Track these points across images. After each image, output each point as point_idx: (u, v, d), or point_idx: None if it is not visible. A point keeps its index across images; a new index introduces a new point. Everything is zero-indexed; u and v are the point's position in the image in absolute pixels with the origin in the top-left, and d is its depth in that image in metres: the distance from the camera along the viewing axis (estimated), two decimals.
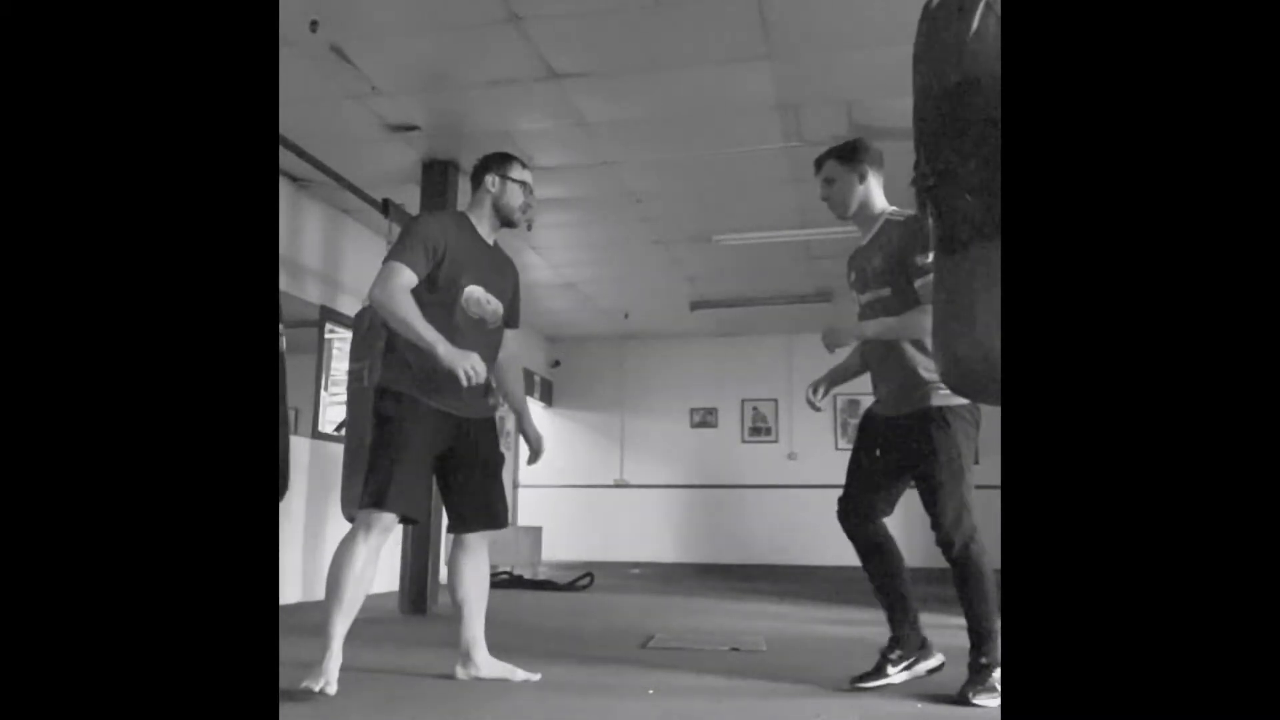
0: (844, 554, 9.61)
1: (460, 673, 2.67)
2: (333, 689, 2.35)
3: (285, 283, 5.03)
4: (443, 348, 2.42)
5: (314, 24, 3.52)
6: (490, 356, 2.68)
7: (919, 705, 2.38)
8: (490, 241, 2.73)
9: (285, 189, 5.09)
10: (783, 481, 8.78)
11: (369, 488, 2.47)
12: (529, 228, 2.92)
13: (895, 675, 2.43)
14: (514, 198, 2.70)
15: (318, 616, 2.47)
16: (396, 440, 2.48)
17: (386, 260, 2.53)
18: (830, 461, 8.82)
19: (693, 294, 7.60)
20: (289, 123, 4.20)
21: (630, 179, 5.18)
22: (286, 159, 4.51)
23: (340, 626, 2.42)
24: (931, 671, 2.45)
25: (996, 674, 2.36)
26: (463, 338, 2.54)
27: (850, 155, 2.64)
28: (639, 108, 4.32)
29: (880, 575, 2.56)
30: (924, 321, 2.45)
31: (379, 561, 2.50)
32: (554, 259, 6.81)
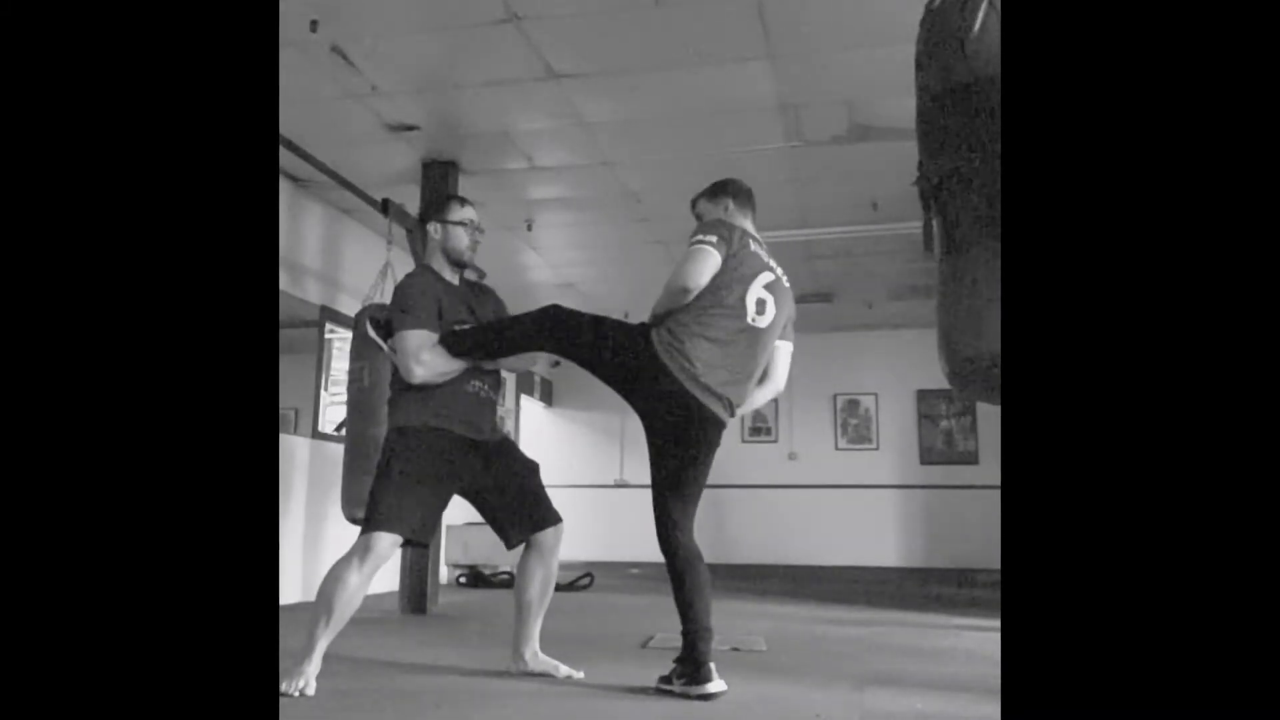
0: (844, 554, 9.48)
1: (511, 667, 2.76)
2: (310, 691, 2.37)
3: (285, 283, 5.03)
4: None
5: (314, 24, 3.52)
6: (494, 383, 2.77)
7: (919, 705, 2.38)
8: (455, 282, 2.79)
9: (285, 189, 5.08)
10: (783, 481, 8.78)
11: (373, 511, 2.48)
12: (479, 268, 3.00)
13: (677, 687, 2.43)
14: (459, 240, 2.77)
15: (306, 617, 2.49)
16: (406, 466, 2.51)
17: (398, 331, 2.59)
18: (830, 461, 8.83)
19: None
20: (289, 123, 4.20)
21: (630, 179, 5.18)
22: (286, 159, 4.51)
23: (324, 640, 2.45)
24: (704, 697, 2.39)
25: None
26: (463, 374, 2.64)
27: (715, 192, 2.84)
28: (639, 108, 4.32)
29: (691, 595, 2.47)
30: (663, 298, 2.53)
31: (371, 580, 2.50)
32: (554, 259, 6.81)
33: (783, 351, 2.76)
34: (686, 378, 2.45)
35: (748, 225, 2.78)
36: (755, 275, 2.60)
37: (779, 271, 2.70)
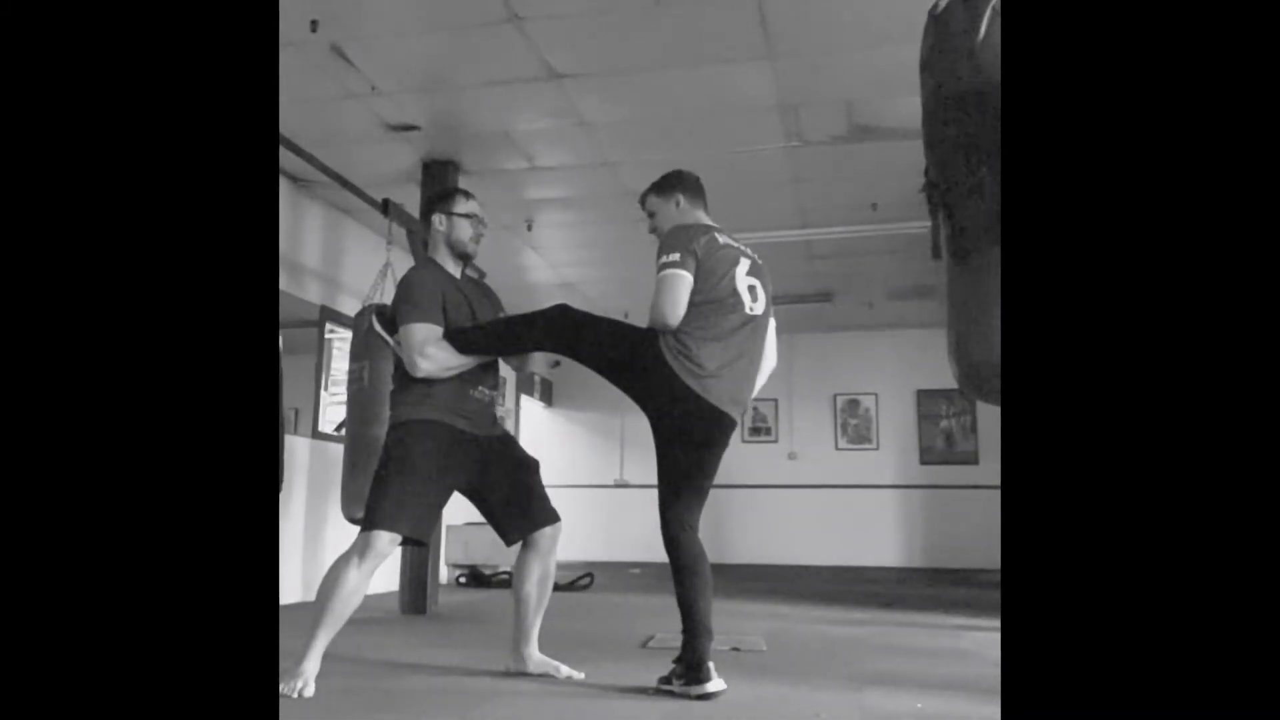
0: (844, 554, 9.46)
1: (511, 666, 2.75)
2: (310, 692, 2.36)
3: (285, 283, 5.03)
4: None
5: (314, 24, 3.52)
6: (495, 380, 2.77)
7: (919, 705, 2.38)
8: (458, 275, 2.81)
9: (285, 189, 5.09)
10: (783, 481, 8.77)
11: (373, 510, 2.48)
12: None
13: (677, 687, 2.43)
14: (463, 231, 2.78)
15: (305, 617, 2.49)
16: (407, 463, 2.51)
17: (403, 325, 2.59)
18: (830, 461, 8.83)
19: None
20: (289, 123, 4.20)
21: (630, 179, 5.18)
22: (286, 159, 4.51)
23: (323, 640, 2.44)
24: (703, 697, 2.37)
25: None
26: (467, 369, 2.65)
27: (664, 187, 2.81)
28: (639, 108, 4.32)
29: (693, 594, 2.45)
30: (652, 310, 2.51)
31: (370, 578, 2.49)
32: (554, 259, 6.81)
33: (769, 328, 2.77)
34: (695, 380, 2.45)
35: (702, 216, 2.76)
36: (735, 265, 2.61)
37: (752, 253, 2.70)
